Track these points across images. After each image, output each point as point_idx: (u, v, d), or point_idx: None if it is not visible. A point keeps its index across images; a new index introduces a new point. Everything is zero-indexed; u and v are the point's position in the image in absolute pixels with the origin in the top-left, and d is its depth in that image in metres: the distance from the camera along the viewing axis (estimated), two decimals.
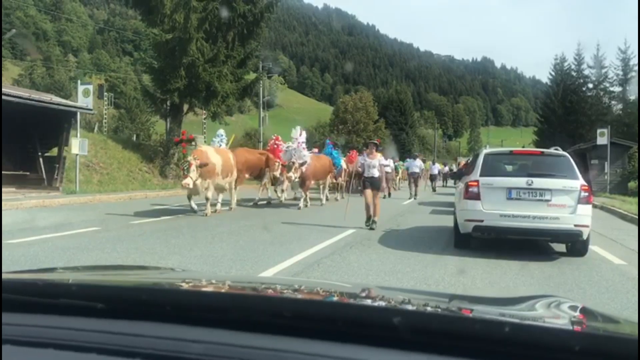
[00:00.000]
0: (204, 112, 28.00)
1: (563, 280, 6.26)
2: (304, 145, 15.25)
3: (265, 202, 16.38)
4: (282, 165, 14.97)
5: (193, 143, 15.37)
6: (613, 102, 50.84)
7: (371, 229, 10.28)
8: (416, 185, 22.53)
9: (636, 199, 18.64)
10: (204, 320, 1.02)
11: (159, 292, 1.27)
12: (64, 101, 19.46)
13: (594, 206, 10.43)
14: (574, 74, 53.58)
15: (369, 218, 10.59)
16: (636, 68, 47.72)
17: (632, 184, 27.10)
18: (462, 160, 24.33)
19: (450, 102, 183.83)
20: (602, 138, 25.50)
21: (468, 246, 8.13)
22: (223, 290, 1.44)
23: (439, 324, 0.97)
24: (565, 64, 54.60)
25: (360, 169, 11.05)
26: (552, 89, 55.17)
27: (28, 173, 17.71)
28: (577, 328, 1.19)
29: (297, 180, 14.75)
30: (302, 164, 14.66)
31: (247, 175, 15.70)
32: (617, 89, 50.25)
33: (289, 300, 1.26)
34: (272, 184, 17.00)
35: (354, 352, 0.91)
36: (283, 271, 6.33)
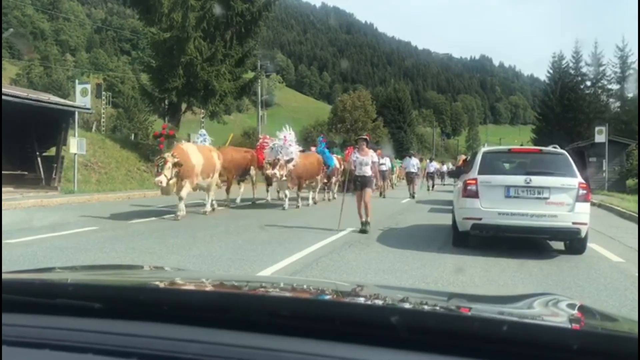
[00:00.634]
0: (202, 111, 27.98)
1: (561, 278, 6.27)
2: (291, 142, 14.36)
3: (250, 202, 15.77)
4: (267, 163, 14.04)
5: (175, 141, 14.72)
6: (611, 99, 50.93)
7: (363, 231, 9.62)
8: (414, 185, 22.10)
9: (634, 197, 18.68)
10: (201, 320, 1.02)
11: (156, 292, 1.27)
12: (61, 101, 19.43)
13: (592, 204, 10.46)
14: (572, 71, 53.64)
15: (362, 223, 9.85)
16: (634, 66, 47.84)
17: (630, 182, 27.14)
18: (462, 157, 23.74)
19: (448, 100, 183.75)
20: (600, 136, 25.53)
21: (466, 244, 8.14)
22: (221, 290, 1.44)
23: (437, 322, 0.97)
24: (563, 61, 54.70)
25: (352, 168, 10.25)
26: (550, 87, 55.23)
27: (26, 173, 17.70)
28: (575, 326, 1.19)
29: (283, 179, 13.74)
30: (288, 161, 13.71)
31: (234, 175, 15.18)
32: (615, 86, 50.37)
33: (287, 300, 1.25)
34: (269, 184, 16.18)
35: (352, 351, 0.91)
36: (281, 270, 6.33)
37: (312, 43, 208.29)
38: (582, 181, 7.61)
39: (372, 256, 7.39)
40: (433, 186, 27.98)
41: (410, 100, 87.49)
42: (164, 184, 10.54)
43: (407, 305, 1.25)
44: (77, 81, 20.90)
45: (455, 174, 14.27)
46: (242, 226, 10.49)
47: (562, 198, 7.45)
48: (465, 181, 7.99)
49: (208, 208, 12.65)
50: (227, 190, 15.13)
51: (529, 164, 8.18)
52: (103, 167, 20.51)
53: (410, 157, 23.79)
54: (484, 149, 9.10)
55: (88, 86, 19.24)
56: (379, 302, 1.33)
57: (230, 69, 24.94)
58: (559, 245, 8.29)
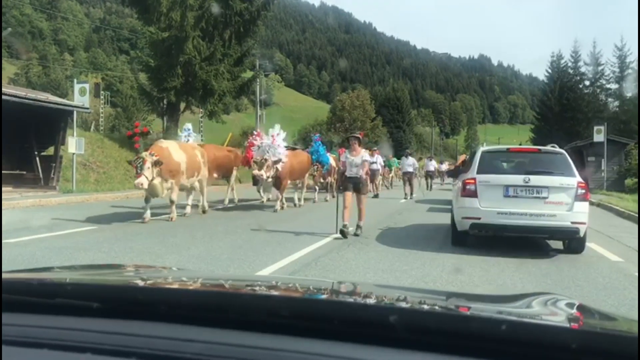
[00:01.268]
0: (201, 110, 27.97)
1: (560, 277, 6.28)
2: (280, 141, 13.51)
3: (233, 204, 15.08)
4: (254, 162, 13.17)
5: (149, 137, 13.84)
6: (610, 99, 51.02)
7: (355, 234, 9.10)
8: (410, 185, 21.22)
9: (633, 196, 18.70)
10: (200, 319, 1.02)
11: (155, 292, 1.27)
12: (60, 100, 19.43)
13: (591, 203, 10.47)
14: (570, 71, 53.75)
15: (344, 226, 8.96)
16: (632, 65, 47.89)
17: (629, 181, 27.16)
18: (462, 157, 23.41)
19: (447, 99, 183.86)
20: (599, 135, 25.57)
21: (465, 244, 8.14)
22: (220, 290, 1.43)
23: (435, 322, 0.97)
24: (562, 61, 54.82)
25: (342, 168, 9.60)
26: (548, 86, 55.30)
27: (25, 172, 17.67)
28: (574, 325, 1.19)
29: (270, 180, 13.01)
30: (276, 162, 12.85)
31: (215, 175, 14.29)
32: (614, 86, 50.44)
33: (286, 299, 1.25)
34: (254, 184, 15.50)
35: (351, 350, 0.91)
36: (280, 270, 6.33)
37: (310, 42, 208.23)
38: (581, 180, 7.62)
39: (372, 256, 7.39)
40: (431, 186, 27.19)
41: (409, 99, 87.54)
42: (146, 186, 9.93)
43: (406, 305, 1.25)
44: (75, 80, 20.86)
45: (454, 173, 14.25)
46: (241, 226, 10.48)
47: (560, 197, 7.46)
48: (464, 181, 7.99)
49: (188, 210, 12.04)
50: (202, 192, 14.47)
51: (527, 163, 8.19)
52: (101, 167, 20.49)
53: (406, 156, 22.64)
54: (483, 148, 9.10)
55: (86, 85, 19.23)
56: (378, 301, 1.33)
57: (228, 69, 24.93)
58: (557, 244, 8.30)
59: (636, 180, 24.72)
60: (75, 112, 17.68)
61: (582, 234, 7.50)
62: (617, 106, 48.62)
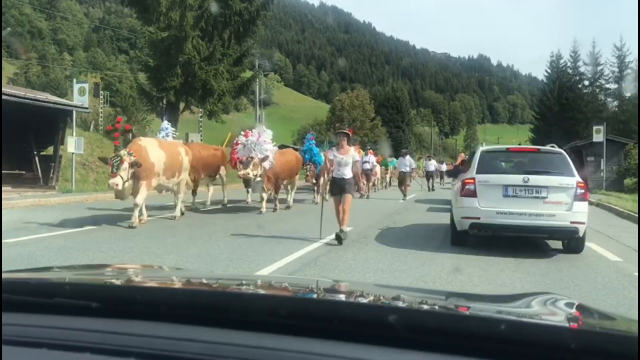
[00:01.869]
0: (200, 110, 27.95)
1: (559, 277, 6.28)
2: (266, 138, 12.69)
3: (222, 205, 14.35)
4: (239, 161, 12.51)
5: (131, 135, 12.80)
6: (609, 99, 51.07)
7: (338, 241, 8.14)
8: (406, 185, 20.35)
9: (632, 196, 18.72)
10: (199, 319, 1.02)
11: (154, 291, 1.27)
12: (59, 100, 19.43)
13: (590, 203, 10.47)
14: (570, 71, 53.83)
15: (340, 231, 8.31)
16: (631, 65, 47.94)
17: (628, 181, 27.18)
18: (461, 156, 23.09)
19: (446, 99, 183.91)
20: (598, 135, 25.59)
21: (465, 244, 8.14)
22: (219, 289, 1.43)
23: (435, 322, 0.97)
24: (561, 61, 54.93)
25: (329, 166, 8.79)
26: (548, 86, 55.37)
27: (24, 172, 17.67)
28: (573, 325, 1.19)
29: (258, 179, 12.21)
30: (263, 159, 12.13)
31: (202, 175, 13.58)
32: (613, 86, 50.50)
33: (285, 299, 1.25)
34: (246, 186, 14.52)
35: (351, 350, 0.91)
36: (280, 269, 6.33)
37: (310, 42, 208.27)
38: (580, 180, 7.62)
39: (371, 255, 7.39)
40: (433, 187, 26.77)
41: (409, 99, 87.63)
42: (120, 187, 9.22)
43: (405, 305, 1.25)
44: (74, 80, 20.86)
45: (453, 173, 14.22)
46: (240, 225, 10.48)
47: (560, 197, 7.46)
48: (464, 180, 7.99)
49: (177, 213, 11.31)
50: (194, 192, 13.76)
51: (527, 163, 8.20)
52: (101, 167, 20.44)
53: (403, 156, 21.63)
54: (482, 148, 9.11)
55: (86, 85, 19.24)
56: (377, 301, 1.33)
57: (228, 68, 24.92)
58: (557, 244, 8.30)
59: (635, 180, 24.73)
60: (74, 112, 17.68)
61: (581, 234, 7.50)
62: (616, 106, 48.68)
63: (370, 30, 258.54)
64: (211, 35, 24.24)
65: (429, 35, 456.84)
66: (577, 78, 53.15)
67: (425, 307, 1.24)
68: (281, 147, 16.66)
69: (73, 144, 16.86)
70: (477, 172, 7.87)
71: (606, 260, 7.42)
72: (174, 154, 10.91)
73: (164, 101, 25.22)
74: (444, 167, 39.77)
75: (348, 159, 8.46)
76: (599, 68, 51.26)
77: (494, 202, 7.59)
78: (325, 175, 9.27)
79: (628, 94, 46.11)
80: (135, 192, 9.81)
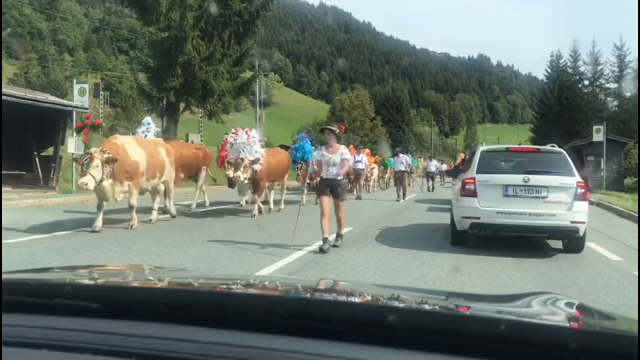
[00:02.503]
0: (200, 110, 27.96)
1: (560, 276, 6.28)
2: (255, 138, 11.91)
3: (203, 208, 13.66)
4: (227, 162, 11.83)
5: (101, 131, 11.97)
6: (609, 98, 51.05)
7: (334, 245, 7.71)
8: (403, 185, 19.53)
9: (632, 195, 18.72)
10: (199, 319, 1.02)
11: (154, 292, 1.27)
12: (59, 100, 19.45)
13: (590, 203, 10.47)
14: (569, 70, 53.81)
15: (324, 240, 7.54)
16: (631, 65, 47.93)
17: (629, 181, 27.19)
18: (461, 155, 22.73)
19: (446, 99, 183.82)
20: (598, 135, 25.61)
21: (465, 243, 8.15)
22: (219, 289, 1.43)
23: (434, 322, 0.97)
24: (561, 60, 54.90)
25: (316, 167, 8.27)
26: (548, 86, 55.36)
27: (24, 172, 17.68)
28: (573, 325, 1.19)
29: (246, 182, 11.60)
30: (253, 162, 11.39)
31: (181, 175, 12.62)
32: (613, 85, 50.48)
33: (284, 299, 1.25)
34: (230, 186, 13.46)
35: (350, 350, 0.91)
36: (280, 269, 6.33)
37: (310, 42, 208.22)
38: (580, 180, 7.62)
39: (371, 255, 7.39)
40: (433, 187, 26.52)
41: (409, 99, 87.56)
42: (91, 187, 8.57)
43: (405, 305, 1.25)
44: (74, 81, 20.86)
45: (453, 172, 14.19)
46: (240, 226, 10.48)
47: (560, 197, 7.46)
48: (464, 180, 8.00)
49: (154, 216, 10.59)
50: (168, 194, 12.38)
51: (527, 163, 8.20)
52: None
53: (397, 154, 20.43)
54: (482, 148, 9.11)
55: (86, 86, 19.24)
56: (377, 301, 1.33)
57: (228, 69, 24.93)
58: (557, 244, 8.30)
59: (635, 179, 24.73)
60: (74, 113, 17.68)
61: (581, 234, 7.51)
62: (616, 105, 48.65)
63: (370, 30, 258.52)
64: (211, 36, 24.25)
65: (428, 35, 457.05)
66: (577, 77, 53.13)
67: (425, 307, 1.24)
68: (281, 147, 16.30)
69: (73, 144, 16.85)
70: (478, 172, 7.87)
71: (606, 260, 7.42)
72: (154, 153, 10.27)
73: (164, 101, 25.24)
74: (444, 167, 39.72)
75: (337, 158, 7.77)
76: (599, 67, 51.28)
77: (494, 202, 7.59)
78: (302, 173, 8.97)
79: (628, 94, 46.12)
80: (126, 194, 9.45)
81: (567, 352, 0.86)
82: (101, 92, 41.85)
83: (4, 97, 14.45)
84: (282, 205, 14.00)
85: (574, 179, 7.56)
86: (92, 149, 8.93)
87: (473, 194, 7.72)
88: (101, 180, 8.69)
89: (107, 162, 8.69)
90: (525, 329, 0.96)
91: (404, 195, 19.30)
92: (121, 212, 11.47)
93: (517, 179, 7.63)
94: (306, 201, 13.66)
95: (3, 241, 7.40)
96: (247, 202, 14.05)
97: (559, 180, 7.55)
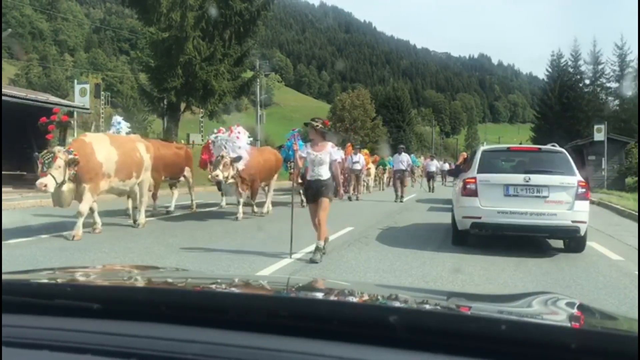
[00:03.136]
0: (201, 110, 27.98)
1: (561, 276, 6.28)
2: (239, 134, 11.04)
3: (190, 210, 12.83)
4: (209, 161, 11.21)
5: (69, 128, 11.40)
6: (610, 98, 51.01)
7: (312, 261, 6.70)
8: (402, 185, 18.71)
9: (633, 195, 18.70)
10: (200, 320, 1.02)
11: (155, 292, 1.27)
12: (60, 101, 19.49)
13: (592, 202, 10.46)
14: (570, 70, 53.80)
15: (316, 249, 6.90)
16: (632, 64, 47.90)
17: (630, 180, 27.18)
18: (463, 155, 22.38)
19: (447, 99, 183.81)
20: (599, 134, 25.62)
21: (466, 243, 8.15)
22: (220, 290, 1.43)
23: (435, 322, 0.97)
24: (562, 60, 54.90)
25: (299, 164, 7.31)
26: (549, 85, 55.34)
27: (25, 173, 17.68)
28: (574, 325, 1.19)
29: (230, 181, 10.69)
30: (235, 160, 10.57)
31: (162, 176, 11.73)
32: (614, 85, 50.45)
33: (285, 300, 1.25)
34: (219, 188, 12.95)
35: (351, 351, 0.91)
36: (281, 270, 6.33)
37: (310, 42, 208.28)
38: (581, 179, 7.62)
39: (372, 255, 7.39)
40: (434, 188, 26.09)
41: (409, 99, 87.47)
42: (51, 189, 7.65)
43: (406, 305, 1.25)
44: (75, 81, 20.94)
45: (454, 172, 14.17)
46: (241, 226, 10.48)
47: (561, 196, 7.46)
48: (465, 180, 8.00)
49: (142, 219, 9.87)
50: (154, 196, 11.80)
51: (528, 162, 8.19)
52: None
53: (399, 153, 19.54)
54: (483, 147, 9.11)
55: (87, 86, 19.33)
56: (378, 301, 1.33)
57: (229, 69, 24.93)
58: (558, 243, 8.30)
59: (637, 178, 24.71)
60: (75, 113, 17.74)
61: (582, 233, 7.50)
62: (617, 105, 48.61)
63: (371, 29, 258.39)
64: (212, 36, 24.25)
65: (429, 35, 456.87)
66: (578, 77, 53.14)
67: (427, 307, 1.24)
68: (279, 148, 15.97)
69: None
70: (479, 172, 7.87)
71: (607, 260, 7.42)
72: (129, 151, 9.33)
73: (165, 101, 25.27)
74: (447, 167, 39.50)
75: (324, 156, 6.91)
76: (600, 67, 51.30)
77: (495, 202, 7.59)
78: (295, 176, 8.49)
79: (629, 93, 46.06)
80: (78, 198, 8.28)
81: (568, 352, 0.86)
82: (102, 93, 41.92)
83: (5, 98, 14.45)
84: (268, 208, 12.80)
85: (575, 179, 7.56)
86: (56, 148, 8.01)
87: (474, 193, 7.72)
88: (62, 183, 7.82)
89: (71, 163, 7.79)
90: (525, 329, 0.96)
91: (402, 196, 18.50)
92: (119, 214, 11.49)
93: (518, 178, 7.63)
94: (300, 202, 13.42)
95: (4, 242, 7.41)
96: (224, 206, 13.40)
97: (560, 180, 7.54)
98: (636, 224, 11.54)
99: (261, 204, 12.81)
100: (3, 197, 13.02)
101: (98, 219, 9.06)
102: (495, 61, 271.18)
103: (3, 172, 15.98)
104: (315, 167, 6.92)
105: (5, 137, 15.74)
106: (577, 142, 30.40)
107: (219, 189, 13.02)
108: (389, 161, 26.04)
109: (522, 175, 7.61)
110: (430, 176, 26.85)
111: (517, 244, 8.14)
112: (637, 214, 12.65)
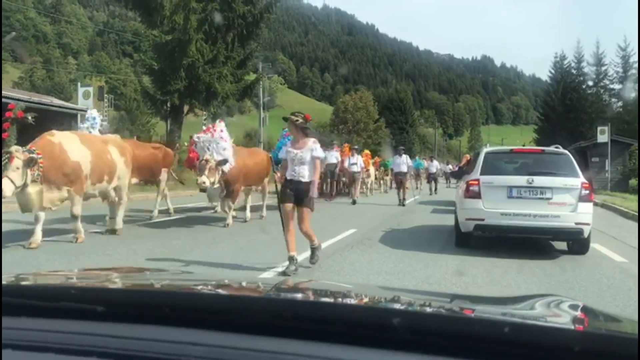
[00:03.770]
0: (204, 113, 28.01)
1: (564, 278, 6.26)
2: (224, 135, 10.14)
3: (167, 215, 12.07)
4: (194, 160, 10.46)
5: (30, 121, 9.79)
6: (613, 99, 50.92)
7: (284, 274, 6.03)
8: (403, 188, 17.56)
9: (637, 196, 18.63)
10: (204, 322, 1.02)
11: (159, 295, 1.27)
12: (64, 103, 19.53)
13: (595, 204, 10.43)
14: (573, 71, 53.77)
15: (291, 258, 6.19)
16: (636, 65, 47.75)
17: (633, 182, 27.12)
18: (466, 157, 22.02)
19: (450, 100, 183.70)
20: (603, 136, 25.56)
21: (469, 245, 8.13)
22: (223, 292, 1.44)
23: (438, 324, 0.97)
24: (565, 61, 54.87)
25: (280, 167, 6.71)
26: (552, 87, 55.31)
27: None
28: (578, 327, 1.19)
29: (215, 186, 9.91)
30: (221, 163, 9.71)
31: (134, 180, 10.75)
32: (617, 86, 50.36)
33: (288, 302, 1.26)
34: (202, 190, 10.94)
35: (354, 353, 0.91)
36: (283, 272, 6.31)
37: (313, 44, 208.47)
38: (585, 181, 7.60)
39: (375, 257, 7.38)
40: (436, 189, 25.62)
41: (412, 101, 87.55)
42: (8, 193, 6.85)
43: (409, 307, 1.25)
44: (79, 84, 20.99)
45: (457, 174, 14.15)
46: (244, 228, 10.49)
47: (564, 198, 7.45)
48: (468, 182, 7.99)
49: (119, 226, 9.15)
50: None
51: (531, 164, 8.18)
52: None
53: (400, 154, 18.28)
54: (486, 149, 9.10)
55: (90, 89, 19.37)
56: (381, 304, 1.33)
57: (232, 71, 24.98)
58: (561, 245, 8.27)
59: None
60: (79, 115, 17.78)
61: (586, 235, 7.48)
62: (620, 106, 48.51)
63: (374, 32, 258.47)
64: (215, 38, 24.30)
65: (432, 37, 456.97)
66: (581, 78, 53.14)
67: (428, 309, 1.24)
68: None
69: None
70: (482, 174, 7.87)
71: (611, 261, 7.40)
72: (102, 152, 8.50)
73: (168, 104, 25.32)
74: (449, 168, 39.35)
75: (305, 154, 6.21)
76: (603, 68, 51.25)
77: (498, 204, 7.58)
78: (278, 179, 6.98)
79: (632, 94, 45.94)
80: (47, 202, 7.57)
81: (572, 354, 0.86)
82: (105, 95, 42.02)
83: (10, 101, 14.51)
84: (265, 212, 12.14)
85: (579, 180, 7.54)
86: (13, 148, 7.23)
87: (477, 195, 7.71)
88: (24, 186, 7.03)
89: (29, 164, 6.98)
90: (528, 332, 0.96)
91: (404, 199, 17.47)
92: (128, 215, 11.47)
93: (521, 180, 7.62)
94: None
95: (7, 244, 7.42)
96: (219, 210, 12.51)
97: (563, 182, 7.53)
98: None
99: (259, 208, 12.28)
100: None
101: (39, 232, 7.88)
102: (498, 63, 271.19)
103: None
104: (295, 166, 6.22)
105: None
106: (580, 144, 30.35)
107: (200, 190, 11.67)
108: (388, 162, 25.47)
109: (526, 177, 7.59)
110: (431, 178, 26.16)
111: (521, 246, 8.12)
112: (637, 215, 12.62)
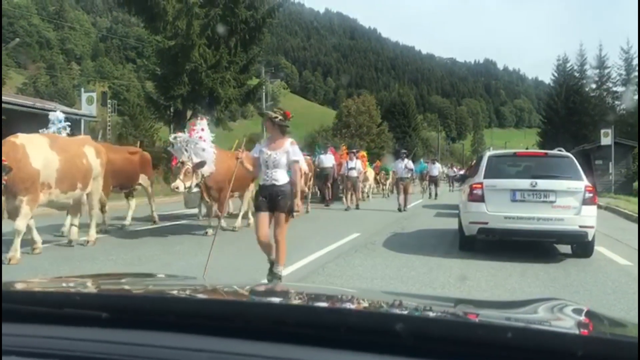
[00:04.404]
0: (207, 117, 28.05)
1: (568, 281, 6.24)
2: (204, 134, 9.41)
3: (152, 223, 11.50)
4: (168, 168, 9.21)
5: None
6: (616, 102, 50.80)
7: (274, 277, 5.68)
8: (405, 193, 16.68)
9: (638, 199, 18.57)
10: (207, 328, 1.02)
11: (162, 301, 1.27)
12: (68, 109, 19.57)
13: (599, 207, 10.40)
14: (576, 74, 53.71)
15: (271, 265, 5.76)
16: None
17: (637, 184, 27.00)
18: (472, 162, 21.28)
19: (453, 104, 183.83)
20: (606, 138, 25.50)
21: (472, 248, 8.12)
22: (226, 298, 1.44)
23: (441, 329, 0.97)
24: (568, 64, 54.78)
25: (249, 167, 5.89)
26: (554, 90, 55.23)
27: None
28: (582, 332, 1.19)
29: (194, 190, 9.41)
30: (198, 166, 9.02)
31: (111, 185, 10.22)
32: (621, 88, 50.25)
33: (291, 308, 1.25)
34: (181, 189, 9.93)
35: (357, 359, 0.91)
36: (287, 277, 6.30)
37: (316, 49, 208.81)
38: (589, 184, 7.59)
39: (378, 262, 7.37)
40: (437, 195, 24.50)
41: (415, 104, 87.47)
42: None
43: (412, 312, 1.25)
44: (82, 89, 21.07)
45: (461, 178, 14.13)
46: (247, 233, 10.47)
47: (568, 201, 7.43)
48: (471, 185, 7.98)
49: (92, 236, 8.59)
50: (102, 209, 10.13)
51: (534, 167, 8.18)
52: None
53: (401, 159, 17.28)
54: (490, 152, 9.09)
55: (94, 94, 19.44)
56: (385, 309, 1.33)
57: (234, 76, 25.01)
58: (565, 248, 8.25)
59: None
60: (82, 121, 17.84)
61: (590, 238, 7.46)
62: (624, 109, 48.39)
63: (376, 36, 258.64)
64: (217, 44, 24.34)
65: (434, 40, 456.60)
66: (584, 81, 53.04)
67: (431, 314, 1.24)
68: None
69: None
70: (485, 177, 7.86)
71: (615, 264, 7.37)
72: (74, 156, 7.81)
73: (171, 109, 25.36)
74: (453, 172, 39.19)
75: (279, 156, 5.50)
76: (606, 71, 51.13)
77: (501, 207, 7.57)
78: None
79: (635, 97, 45.86)
80: (12, 213, 6.90)
81: (575, 359, 0.86)
82: (109, 101, 42.10)
83: (13, 107, 14.56)
84: (251, 219, 10.75)
85: (582, 183, 7.52)
86: None
87: (481, 198, 7.70)
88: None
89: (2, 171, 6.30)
90: (531, 337, 0.96)
91: (406, 205, 16.70)
92: (121, 219, 11.50)
93: (524, 183, 7.61)
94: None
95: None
96: (201, 218, 11.88)
97: (566, 185, 7.51)
98: None
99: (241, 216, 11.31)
100: None
101: (37, 237, 7.62)
102: (500, 66, 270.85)
103: None
104: (269, 169, 5.51)
105: None
106: (583, 147, 30.28)
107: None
108: (389, 167, 24.92)
109: (529, 180, 7.58)
110: (432, 181, 25.06)
111: (524, 249, 8.10)
112: (637, 216, 12.59)
